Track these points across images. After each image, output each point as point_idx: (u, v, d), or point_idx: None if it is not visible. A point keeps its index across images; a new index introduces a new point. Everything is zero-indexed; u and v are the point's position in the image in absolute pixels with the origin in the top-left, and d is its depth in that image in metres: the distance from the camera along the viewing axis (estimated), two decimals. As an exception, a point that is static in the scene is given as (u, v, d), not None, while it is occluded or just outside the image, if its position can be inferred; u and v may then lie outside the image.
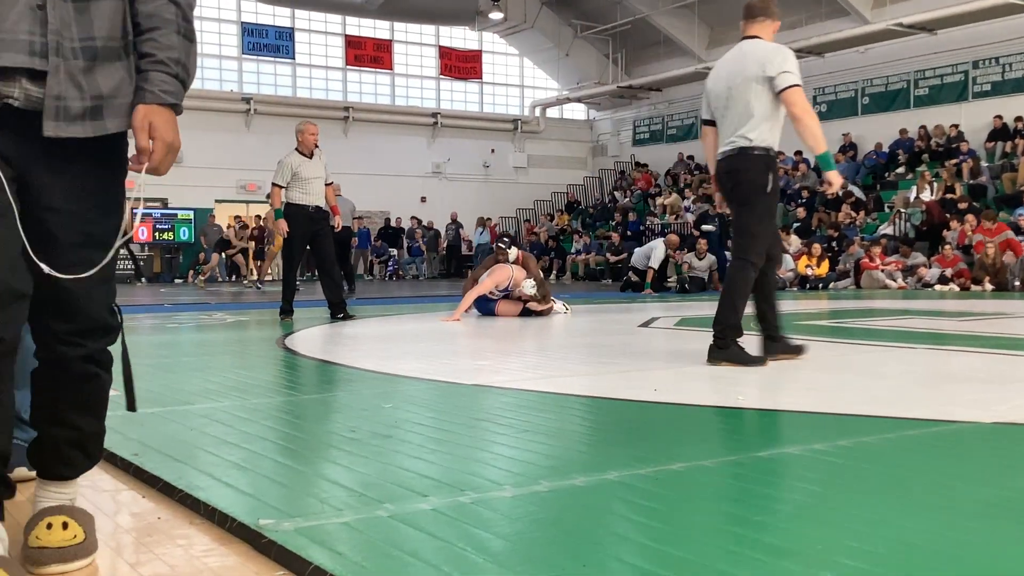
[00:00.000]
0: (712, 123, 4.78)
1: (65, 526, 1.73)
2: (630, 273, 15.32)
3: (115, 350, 1.80)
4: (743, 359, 4.41)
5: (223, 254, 20.14)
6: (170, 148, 1.69)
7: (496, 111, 28.12)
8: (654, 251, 14.76)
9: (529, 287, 8.23)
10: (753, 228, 4.55)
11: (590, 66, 27.12)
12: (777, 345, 4.65)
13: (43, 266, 1.62)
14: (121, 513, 2.12)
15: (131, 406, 1.87)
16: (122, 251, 1.74)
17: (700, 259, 15.65)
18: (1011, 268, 14.00)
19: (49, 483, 1.83)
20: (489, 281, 8.30)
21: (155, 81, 1.69)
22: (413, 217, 24.65)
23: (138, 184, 1.70)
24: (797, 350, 4.72)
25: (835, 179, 4.60)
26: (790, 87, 4.44)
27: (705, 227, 16.84)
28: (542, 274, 9.04)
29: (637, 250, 15.93)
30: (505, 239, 8.99)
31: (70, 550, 1.71)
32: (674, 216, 21.87)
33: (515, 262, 8.55)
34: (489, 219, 24.68)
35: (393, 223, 24.68)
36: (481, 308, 8.48)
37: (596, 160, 28.89)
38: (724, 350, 4.45)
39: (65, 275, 1.63)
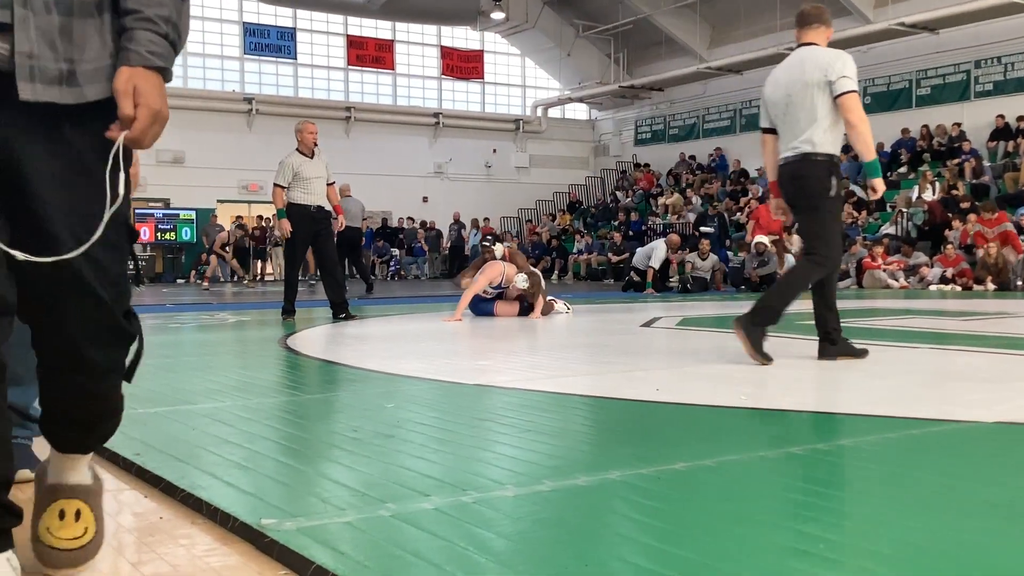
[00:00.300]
0: (771, 131, 4.78)
1: (78, 515, 1.68)
2: (632, 273, 15.33)
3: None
4: (757, 347, 4.38)
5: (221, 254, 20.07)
6: (156, 117, 1.48)
7: (498, 111, 28.13)
8: (655, 251, 14.77)
9: (521, 281, 8.24)
10: (819, 231, 4.57)
11: (592, 66, 27.12)
12: (836, 348, 4.62)
13: (16, 253, 1.41)
14: (123, 513, 2.12)
15: (128, 377, 1.70)
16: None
17: (703, 259, 15.65)
18: (1013, 267, 13.98)
19: (63, 454, 1.73)
20: (483, 279, 8.30)
21: (141, 41, 1.49)
22: (410, 218, 24.65)
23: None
24: (860, 354, 4.65)
25: (879, 186, 4.64)
26: (847, 92, 4.46)
27: (704, 228, 16.84)
28: (535, 269, 9.04)
29: (639, 250, 15.95)
30: (489, 237, 9.01)
31: (79, 553, 1.67)
32: (676, 216, 21.87)
33: (503, 259, 8.57)
34: (487, 219, 24.69)
35: (394, 223, 24.67)
36: (477, 310, 8.47)
37: (598, 160, 28.90)
38: (751, 326, 4.41)
39: (44, 258, 1.43)
